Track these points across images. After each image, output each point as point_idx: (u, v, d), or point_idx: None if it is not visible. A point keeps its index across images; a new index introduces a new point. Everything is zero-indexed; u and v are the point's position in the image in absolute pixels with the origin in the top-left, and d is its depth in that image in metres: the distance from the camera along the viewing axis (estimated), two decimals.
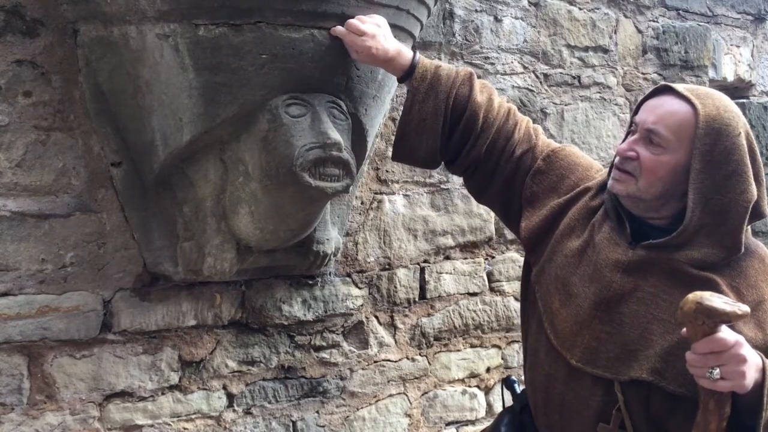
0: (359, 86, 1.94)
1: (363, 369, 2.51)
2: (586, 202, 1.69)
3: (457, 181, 2.65)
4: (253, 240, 1.98)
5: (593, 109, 3.07)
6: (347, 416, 2.49)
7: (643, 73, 3.24)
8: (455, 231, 2.71)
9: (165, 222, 2.02)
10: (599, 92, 3.09)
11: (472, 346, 2.78)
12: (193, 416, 2.19)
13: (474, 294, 2.77)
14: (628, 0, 3.16)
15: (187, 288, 2.14)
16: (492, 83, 2.72)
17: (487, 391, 2.83)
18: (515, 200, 1.79)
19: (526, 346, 1.77)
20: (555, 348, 1.61)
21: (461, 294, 2.74)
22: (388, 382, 2.58)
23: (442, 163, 1.86)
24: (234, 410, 2.26)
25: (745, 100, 3.72)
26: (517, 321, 2.85)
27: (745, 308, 1.32)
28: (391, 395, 2.59)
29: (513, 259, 2.86)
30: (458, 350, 2.74)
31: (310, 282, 2.37)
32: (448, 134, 1.77)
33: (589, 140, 3.05)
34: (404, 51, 1.80)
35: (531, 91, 2.86)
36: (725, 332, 1.33)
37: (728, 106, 1.53)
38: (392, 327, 2.58)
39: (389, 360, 2.57)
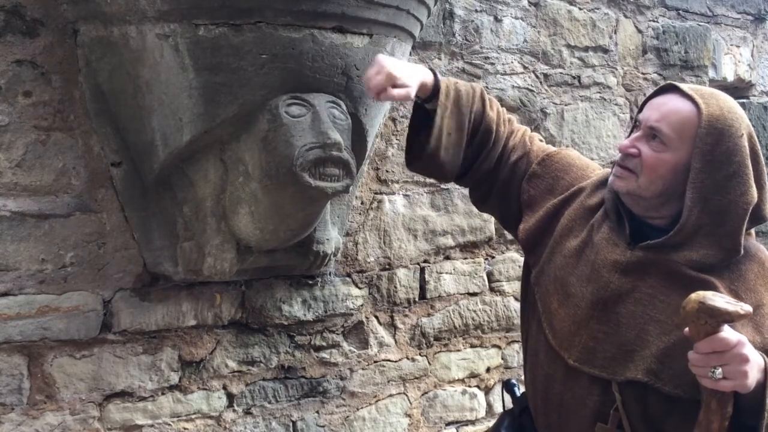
0: (359, 86, 1.94)
1: (363, 369, 2.51)
2: (582, 201, 1.70)
3: None
4: (253, 240, 1.98)
5: (593, 109, 3.07)
6: (347, 416, 2.49)
7: (643, 73, 3.24)
8: (455, 231, 2.71)
9: (165, 222, 2.02)
10: (599, 92, 3.09)
11: (472, 346, 2.78)
12: (193, 416, 2.19)
13: (474, 294, 2.77)
14: (628, 0, 3.17)
15: (187, 288, 2.14)
16: (492, 83, 2.75)
17: (487, 391, 2.83)
18: (513, 205, 1.80)
19: (527, 347, 1.77)
20: (553, 348, 1.62)
21: (461, 294, 2.74)
22: (388, 382, 2.58)
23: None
24: (234, 410, 2.26)
25: (745, 100, 3.72)
26: (517, 321, 2.85)
27: (747, 308, 1.32)
28: (391, 395, 2.59)
29: (513, 259, 2.86)
30: (458, 350, 2.74)
31: (310, 282, 2.37)
32: (465, 148, 1.78)
33: (589, 140, 3.05)
34: (424, 71, 1.72)
35: (531, 91, 2.86)
36: (728, 332, 1.33)
37: (732, 107, 1.53)
38: (392, 327, 2.58)
39: (389, 360, 2.57)
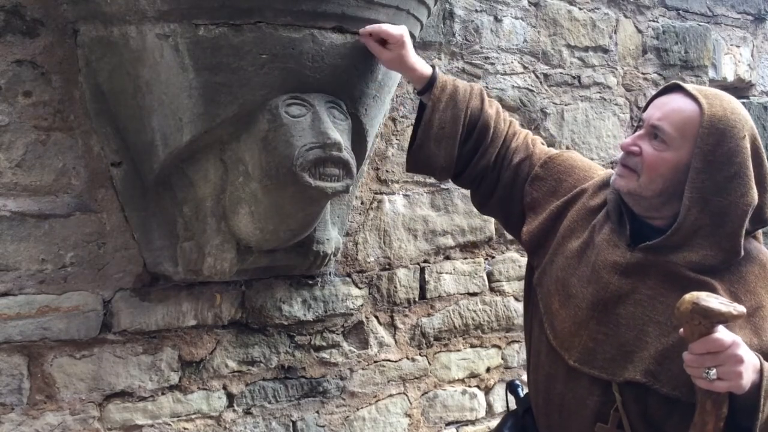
0: (359, 86, 1.94)
1: (363, 369, 2.51)
2: (585, 202, 1.70)
3: None
4: (253, 240, 1.98)
5: (593, 109, 3.07)
6: (347, 416, 2.49)
7: (643, 73, 3.24)
8: (455, 231, 2.71)
9: (165, 222, 2.02)
10: (599, 92, 3.09)
11: (472, 346, 2.78)
12: (193, 416, 2.19)
13: (474, 294, 2.77)
14: (628, 0, 3.16)
15: (187, 288, 2.14)
16: (492, 83, 2.75)
17: (487, 391, 2.83)
18: (516, 208, 1.81)
19: (530, 347, 1.77)
20: (554, 348, 1.62)
21: (461, 294, 2.74)
22: (388, 382, 2.58)
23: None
24: (234, 410, 2.26)
25: (745, 100, 3.72)
26: (518, 321, 2.85)
27: (741, 309, 1.32)
28: (391, 395, 2.59)
29: (513, 259, 2.86)
30: (458, 350, 2.74)
31: (310, 282, 2.37)
32: (461, 144, 1.80)
33: (589, 140, 3.05)
34: (425, 64, 1.86)
35: (531, 91, 2.86)
36: (722, 333, 1.33)
37: (735, 108, 1.52)
38: (392, 327, 2.58)
39: (389, 360, 2.57)
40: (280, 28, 1.77)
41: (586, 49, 3.03)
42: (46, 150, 1.92)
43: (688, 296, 1.33)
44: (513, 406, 1.89)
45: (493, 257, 2.83)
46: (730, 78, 3.67)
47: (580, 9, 3.01)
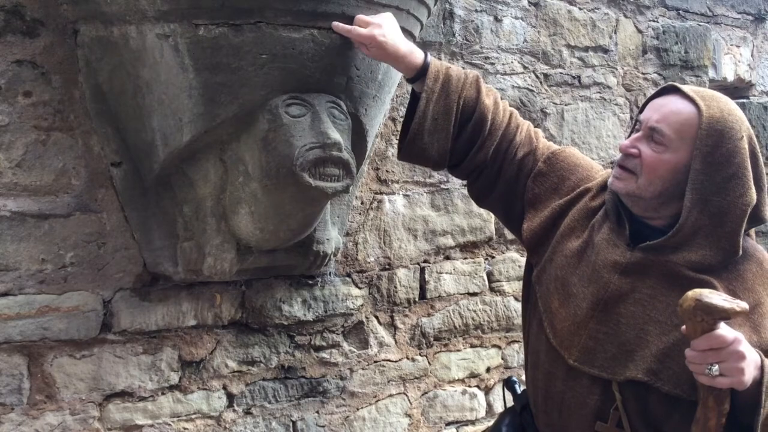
0: (359, 86, 1.94)
1: (363, 369, 2.51)
2: (587, 202, 1.70)
3: (457, 181, 2.65)
4: (253, 240, 1.98)
5: (593, 109, 3.07)
6: (347, 416, 2.49)
7: (643, 73, 3.24)
8: (455, 231, 2.71)
9: (165, 222, 2.02)
10: (599, 92, 3.09)
11: (472, 346, 2.78)
12: (193, 416, 2.19)
13: (474, 294, 2.77)
14: (628, 0, 3.17)
15: (187, 288, 2.14)
16: (492, 83, 2.74)
17: (487, 391, 2.83)
18: (517, 203, 1.80)
19: (528, 346, 1.77)
20: (554, 347, 1.62)
21: (461, 294, 2.74)
22: (388, 382, 2.58)
23: (447, 166, 1.86)
24: (234, 410, 2.27)
25: (745, 100, 3.72)
26: (517, 321, 2.85)
27: (743, 305, 1.33)
28: (391, 395, 2.59)
29: (513, 259, 2.86)
30: (458, 350, 2.74)
31: (310, 282, 2.37)
32: (456, 135, 1.77)
33: (589, 140, 3.06)
34: (416, 51, 1.78)
35: (531, 91, 2.87)
36: (724, 329, 1.34)
37: (733, 109, 1.54)
38: (392, 327, 2.58)
39: (389, 360, 2.58)
40: (280, 28, 1.77)
41: (586, 49, 3.03)
42: (46, 150, 1.92)
43: (690, 293, 1.34)
44: (510, 402, 1.89)
45: (493, 257, 2.83)
46: (730, 78, 3.67)
47: (580, 9, 3.01)
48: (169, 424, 2.15)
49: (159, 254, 2.03)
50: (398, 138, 1.84)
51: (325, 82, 1.87)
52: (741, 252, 1.52)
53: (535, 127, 1.89)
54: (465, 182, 1.92)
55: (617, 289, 1.55)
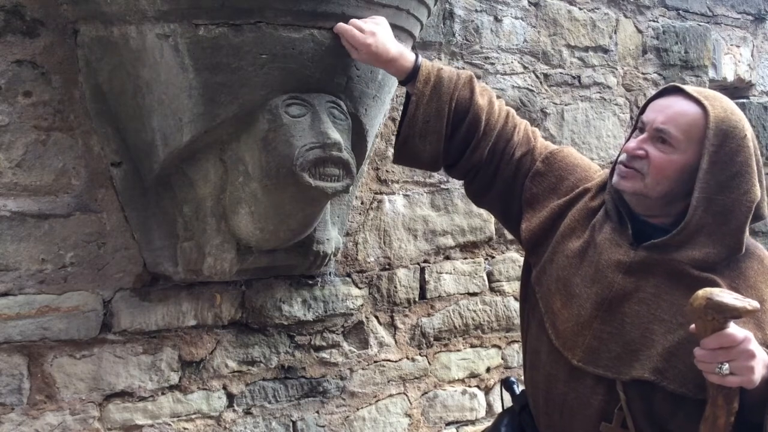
0: (359, 86, 1.94)
1: (363, 369, 2.51)
2: (586, 202, 1.70)
3: (457, 181, 2.65)
4: (253, 240, 1.98)
5: (593, 109, 3.07)
6: (347, 416, 2.49)
7: (643, 73, 3.24)
8: (455, 231, 2.71)
9: (165, 222, 2.02)
10: (599, 92, 3.09)
11: (472, 346, 2.78)
12: (193, 416, 2.19)
13: (474, 294, 2.77)
14: (628, 0, 3.17)
15: (187, 288, 2.14)
16: (492, 83, 2.74)
17: (487, 391, 2.83)
18: (515, 203, 1.80)
19: (527, 346, 1.77)
20: (556, 348, 1.62)
21: (461, 294, 2.74)
22: (388, 382, 2.58)
23: (443, 166, 1.86)
24: (234, 410, 2.26)
25: (745, 100, 3.72)
26: (518, 321, 2.84)
27: (755, 304, 1.33)
28: (391, 395, 2.59)
29: (513, 259, 2.86)
30: (458, 350, 2.74)
31: (310, 282, 2.37)
32: (450, 136, 1.77)
33: (589, 140, 3.05)
34: (406, 53, 1.79)
35: (531, 91, 2.86)
36: (734, 328, 1.35)
37: (734, 109, 1.56)
38: (392, 327, 2.58)
39: (389, 360, 2.57)
40: (280, 28, 1.77)
41: (586, 49, 3.03)
42: (46, 150, 1.92)
43: (701, 292, 1.34)
44: (508, 403, 1.88)
45: (493, 257, 2.83)
46: (730, 78, 3.67)
47: (580, 9, 3.01)
48: (169, 424, 2.15)
49: (159, 254, 2.03)
50: (394, 141, 1.84)
51: (325, 82, 1.87)
52: (744, 249, 1.53)
53: (534, 127, 1.88)
54: (462, 182, 1.92)
55: (621, 289, 1.56)
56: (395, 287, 2.57)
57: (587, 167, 1.79)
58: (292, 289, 2.34)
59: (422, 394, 2.67)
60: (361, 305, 2.50)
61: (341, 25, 1.78)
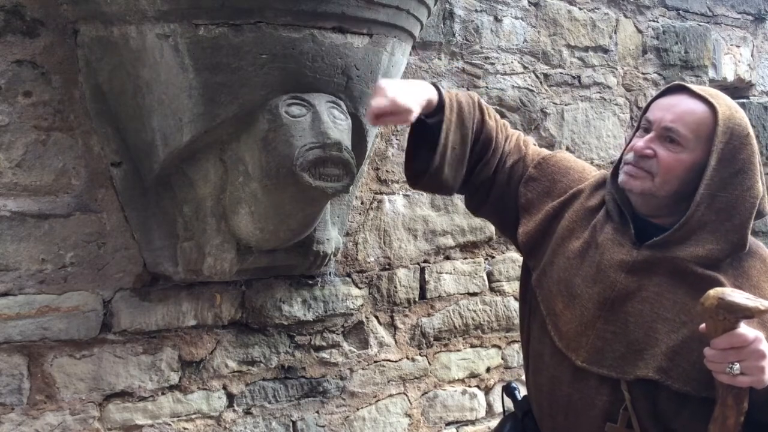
0: (359, 86, 1.94)
1: (363, 369, 2.51)
2: (582, 203, 1.70)
3: None
4: (253, 240, 1.98)
5: (593, 109, 3.07)
6: (347, 416, 2.49)
7: (643, 73, 3.24)
8: (455, 231, 2.71)
9: (165, 222, 2.02)
10: (599, 92, 3.09)
11: (472, 346, 2.78)
12: (193, 416, 2.19)
13: (474, 294, 2.77)
14: (628, 0, 3.17)
15: (187, 288, 2.14)
16: (492, 83, 2.75)
17: (487, 391, 2.83)
18: (511, 210, 1.80)
19: (528, 349, 1.76)
20: (559, 350, 1.61)
21: (461, 294, 2.74)
22: (388, 382, 2.58)
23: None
24: (234, 410, 2.26)
25: (745, 100, 3.72)
26: (518, 321, 2.84)
27: (767, 304, 1.33)
28: (391, 395, 2.59)
29: (513, 259, 2.86)
30: (458, 350, 2.74)
31: (310, 282, 2.37)
32: (468, 159, 1.75)
33: (589, 140, 3.05)
34: (429, 89, 1.68)
35: (531, 91, 2.86)
36: (745, 328, 1.35)
37: (737, 107, 1.57)
38: (392, 327, 2.58)
39: (389, 360, 2.57)
40: (280, 28, 1.77)
41: (586, 49, 3.03)
42: (46, 150, 1.92)
43: (712, 292, 1.34)
44: (510, 408, 1.88)
45: (493, 257, 2.83)
46: (730, 78, 3.67)
47: (580, 9, 3.01)
48: (169, 424, 2.15)
49: (159, 254, 2.03)
50: (405, 167, 1.78)
51: (325, 82, 1.87)
52: (747, 247, 1.54)
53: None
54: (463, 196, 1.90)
55: (624, 288, 1.56)
56: (395, 287, 2.57)
57: (581, 170, 1.79)
58: (292, 289, 2.34)
59: (422, 394, 2.67)
60: (361, 305, 2.50)
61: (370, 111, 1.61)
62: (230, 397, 2.26)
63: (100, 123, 1.95)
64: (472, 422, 2.79)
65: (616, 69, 3.14)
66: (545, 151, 1.84)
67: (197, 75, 1.78)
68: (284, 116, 1.81)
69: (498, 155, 1.79)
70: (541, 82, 2.90)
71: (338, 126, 1.86)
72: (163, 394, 2.14)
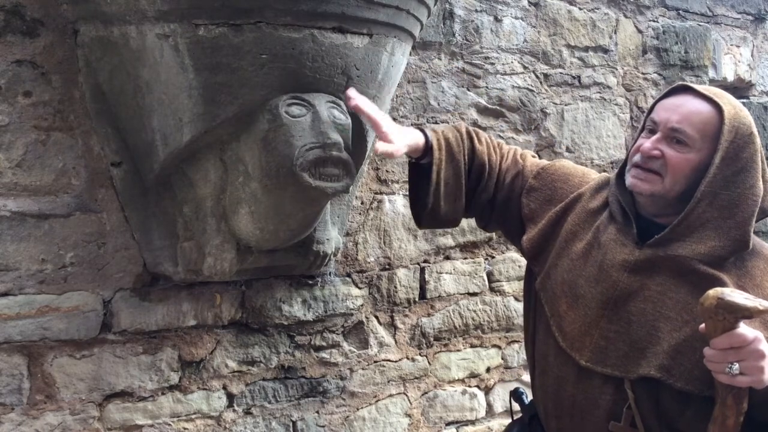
0: (359, 86, 1.94)
1: (363, 369, 2.51)
2: (584, 205, 1.71)
3: None
4: (253, 240, 1.98)
5: (593, 109, 3.07)
6: (347, 416, 2.49)
7: (643, 73, 3.24)
8: (455, 231, 2.71)
9: (165, 222, 2.02)
10: (599, 92, 3.09)
11: (472, 346, 2.78)
12: (193, 416, 2.19)
13: (474, 294, 2.77)
14: (628, 0, 3.16)
15: (187, 288, 2.14)
16: (492, 83, 2.75)
17: (487, 391, 2.83)
18: (516, 222, 1.84)
19: (533, 352, 1.77)
20: (564, 350, 1.62)
21: (461, 294, 2.74)
22: (388, 382, 2.58)
23: None
24: (234, 410, 2.26)
25: (745, 100, 3.72)
26: (518, 321, 2.85)
27: (766, 304, 1.33)
28: (391, 395, 2.59)
29: (513, 259, 2.86)
30: (458, 350, 2.74)
31: (310, 282, 2.37)
32: (465, 187, 1.81)
33: (589, 140, 3.05)
34: (415, 134, 1.77)
35: (531, 91, 2.86)
36: (744, 328, 1.35)
37: (741, 106, 1.58)
38: (392, 327, 2.58)
39: (389, 360, 2.57)
40: (280, 28, 1.77)
41: (586, 49, 3.03)
42: (46, 150, 1.92)
43: (712, 291, 1.34)
44: (517, 412, 1.89)
45: (493, 257, 2.83)
46: (730, 78, 3.67)
47: (580, 9, 3.01)
48: (169, 424, 2.15)
49: (159, 254, 2.03)
50: (410, 205, 1.86)
51: (325, 82, 1.87)
52: (750, 246, 1.54)
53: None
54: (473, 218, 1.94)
55: (626, 288, 1.56)
56: (395, 287, 2.57)
57: (581, 174, 1.80)
58: (292, 289, 2.34)
59: (422, 394, 2.67)
60: (361, 305, 2.50)
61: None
62: (230, 397, 2.26)
63: (100, 123, 1.95)
64: (472, 422, 2.79)
65: (616, 69, 3.14)
66: (544, 162, 1.87)
67: (197, 75, 1.78)
68: (284, 116, 1.81)
69: (495, 176, 1.84)
70: (541, 82, 2.90)
71: (338, 126, 1.86)
72: (163, 394, 2.14)
